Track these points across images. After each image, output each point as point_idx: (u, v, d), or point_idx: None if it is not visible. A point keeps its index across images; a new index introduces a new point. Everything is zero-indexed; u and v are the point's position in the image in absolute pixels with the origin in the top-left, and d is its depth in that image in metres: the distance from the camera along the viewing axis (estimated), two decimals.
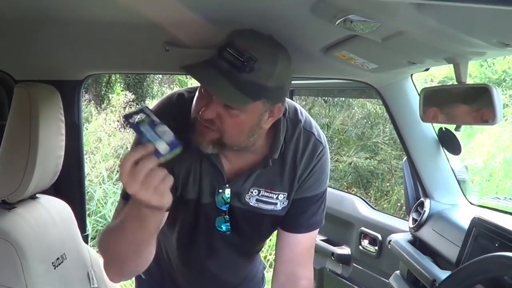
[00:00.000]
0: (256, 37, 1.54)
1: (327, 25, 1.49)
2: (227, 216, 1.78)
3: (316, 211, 1.84)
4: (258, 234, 1.93)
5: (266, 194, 1.76)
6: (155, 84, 9.78)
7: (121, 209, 1.61)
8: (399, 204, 6.13)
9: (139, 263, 1.59)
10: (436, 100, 1.70)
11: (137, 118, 1.39)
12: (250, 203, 1.77)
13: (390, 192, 6.40)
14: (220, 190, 1.73)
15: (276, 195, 1.77)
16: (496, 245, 1.57)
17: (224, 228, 1.80)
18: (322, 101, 7.28)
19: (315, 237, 1.90)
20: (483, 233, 1.70)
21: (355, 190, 6.44)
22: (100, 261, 2.15)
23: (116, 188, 6.19)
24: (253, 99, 1.49)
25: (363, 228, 2.85)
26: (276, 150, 1.70)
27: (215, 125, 1.53)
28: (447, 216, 2.19)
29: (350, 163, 6.64)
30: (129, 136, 7.29)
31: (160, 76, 9.84)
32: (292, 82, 3.46)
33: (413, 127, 2.34)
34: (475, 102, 1.49)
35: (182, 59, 2.11)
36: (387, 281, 2.62)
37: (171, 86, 9.87)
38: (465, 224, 2.02)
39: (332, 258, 3.02)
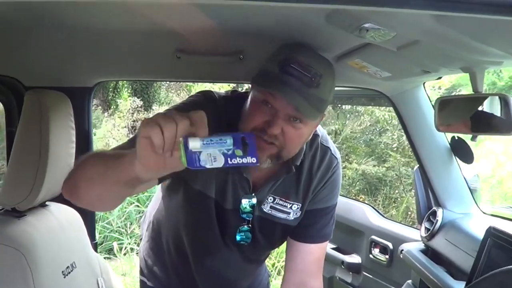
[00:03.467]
0: (313, 52, 1.55)
1: (341, 34, 1.48)
2: (250, 226, 1.80)
3: (328, 223, 1.87)
4: (268, 243, 1.93)
5: (280, 202, 1.78)
6: (162, 90, 9.78)
7: (123, 149, 1.47)
8: (408, 212, 6.10)
9: (100, 202, 1.47)
10: (451, 110, 1.68)
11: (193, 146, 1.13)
12: (264, 210, 1.78)
13: (399, 199, 6.36)
14: (247, 200, 1.74)
15: (291, 205, 1.79)
16: None
17: (245, 237, 1.82)
18: (331, 108, 7.26)
19: (325, 248, 1.92)
20: (498, 244, 1.68)
21: (363, 197, 6.42)
22: (110, 269, 2.15)
23: None
24: (320, 112, 1.52)
25: (373, 237, 2.83)
26: (299, 157, 1.72)
27: (278, 140, 1.53)
28: (460, 226, 2.17)
29: (358, 170, 6.61)
30: None
31: (168, 82, 9.84)
32: None
33: (426, 135, 2.31)
34: (491, 112, 1.47)
35: (193, 67, 2.11)
36: None
37: (178, 92, 9.87)
38: (479, 234, 1.99)
39: (342, 266, 3.00)
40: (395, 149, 6.58)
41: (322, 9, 1.36)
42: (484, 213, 2.34)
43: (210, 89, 1.78)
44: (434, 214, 2.30)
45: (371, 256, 2.82)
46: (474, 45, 1.22)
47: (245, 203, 1.75)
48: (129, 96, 8.93)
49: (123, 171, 1.24)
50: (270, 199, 1.77)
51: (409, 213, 6.16)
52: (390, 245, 2.71)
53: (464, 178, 2.34)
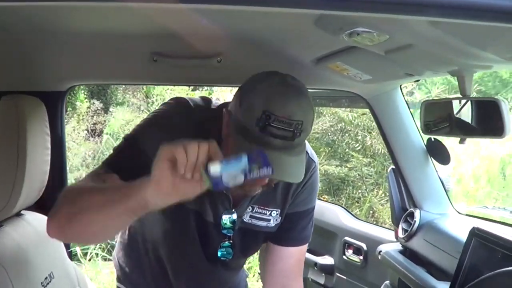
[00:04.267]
0: (291, 94, 1.43)
1: (325, 37, 1.47)
2: (231, 242, 1.79)
3: (307, 225, 1.88)
4: (249, 250, 1.93)
5: (259, 210, 1.77)
6: (119, 91, 9.63)
7: (105, 177, 1.48)
8: (371, 211, 6.17)
9: (97, 237, 1.50)
10: (437, 113, 1.69)
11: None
12: (245, 220, 1.77)
13: (362, 199, 6.43)
14: (228, 216, 1.73)
15: (270, 212, 1.78)
16: (499, 256, 1.57)
17: (226, 253, 1.81)
18: None
19: (305, 251, 1.93)
20: (482, 244, 1.70)
21: (326, 197, 6.46)
22: (87, 279, 2.09)
23: None
24: (304, 151, 1.51)
25: (346, 238, 2.84)
26: None
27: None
28: (439, 226, 2.19)
29: (321, 171, 6.65)
30: (97, 146, 7.18)
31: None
32: None
33: (402, 137, 2.34)
34: (481, 115, 1.49)
35: (170, 70, 2.08)
36: None
37: (135, 93, 9.74)
38: (458, 234, 2.03)
39: (315, 268, 3.00)
40: (357, 149, 6.63)
41: (312, 13, 1.35)
42: (459, 213, 2.38)
43: (183, 96, 1.74)
44: (411, 215, 2.32)
45: (344, 257, 2.83)
46: (468, 50, 1.23)
47: (226, 219, 1.73)
48: (85, 99, 8.77)
49: (129, 199, 1.24)
50: (249, 209, 1.76)
51: (372, 212, 6.23)
52: (364, 246, 2.72)
53: (440, 179, 2.37)
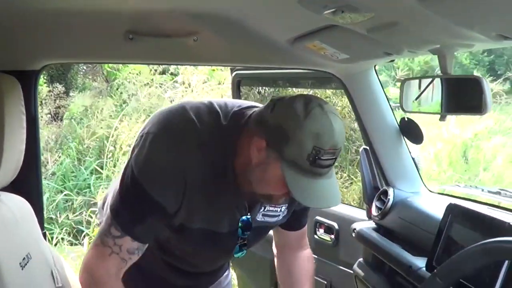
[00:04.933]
0: (331, 128, 1.50)
1: (306, 16, 1.46)
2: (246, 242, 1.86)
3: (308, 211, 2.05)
4: (259, 241, 2.01)
5: (271, 208, 1.85)
6: (79, 76, 9.47)
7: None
8: None
9: None
10: (417, 90, 1.72)
11: None
12: (257, 219, 1.83)
13: None
14: (243, 219, 1.79)
15: (280, 208, 1.86)
16: (476, 231, 1.61)
17: (241, 254, 1.89)
18: (256, 92, 7.25)
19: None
20: (459, 220, 1.74)
21: None
22: (62, 260, 2.07)
23: (48, 183, 5.98)
24: None
25: (317, 217, 2.86)
26: None
27: None
28: (413, 204, 2.23)
29: None
30: (60, 130, 7.06)
31: (85, 67, 9.54)
32: (239, 72, 3.44)
33: (376, 117, 2.36)
34: (463, 93, 1.52)
35: (146, 48, 2.05)
36: (345, 269, 2.66)
37: (95, 78, 9.60)
38: (433, 211, 2.07)
39: None
40: None
41: None
42: (431, 191, 2.43)
43: (186, 110, 1.69)
44: (384, 193, 2.36)
45: (316, 236, 2.85)
46: (454, 29, 1.25)
47: (241, 224, 1.80)
48: (45, 83, 8.60)
49: None
50: (262, 209, 1.82)
51: None
52: (336, 225, 2.75)
53: (412, 158, 2.41)
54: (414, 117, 2.26)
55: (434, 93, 1.66)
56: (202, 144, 1.60)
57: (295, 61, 2.22)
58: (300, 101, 1.51)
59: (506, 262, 1.44)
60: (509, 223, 1.52)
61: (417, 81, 1.77)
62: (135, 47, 1.98)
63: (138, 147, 1.65)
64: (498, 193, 2.01)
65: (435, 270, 1.34)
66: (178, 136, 1.61)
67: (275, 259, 2.13)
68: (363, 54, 1.87)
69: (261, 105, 1.71)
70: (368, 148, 2.47)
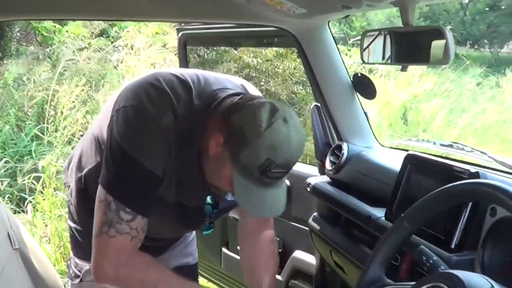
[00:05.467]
0: (288, 143, 1.52)
1: None
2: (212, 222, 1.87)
3: None
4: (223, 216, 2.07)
5: None
6: (13, 43, 9.11)
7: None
8: None
9: None
10: (378, 42, 1.74)
11: None
12: (228, 199, 1.84)
13: None
14: (209, 198, 1.79)
15: None
16: (434, 180, 1.65)
17: (208, 231, 1.89)
18: (194, 54, 7.18)
19: None
20: (417, 169, 1.79)
21: None
22: (19, 221, 2.03)
23: None
24: None
25: None
26: None
27: None
28: (368, 158, 2.28)
29: None
30: None
31: (19, 34, 9.18)
32: (185, 32, 3.38)
33: (330, 73, 2.38)
34: (426, 44, 1.55)
35: (106, 4, 1.98)
36: (297, 225, 2.69)
37: (29, 44, 9.27)
38: (388, 164, 2.12)
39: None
40: (263, 93, 6.71)
41: None
42: (383, 146, 2.48)
43: (158, 81, 1.66)
44: (338, 148, 2.39)
45: None
46: None
47: (208, 207, 1.81)
48: None
49: None
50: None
51: None
52: (287, 182, 2.77)
53: (365, 113, 2.45)
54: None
55: (395, 45, 1.69)
56: (177, 118, 1.60)
57: (249, 17, 2.20)
58: (267, 109, 1.51)
59: (469, 206, 1.50)
60: (469, 170, 1.57)
61: (378, 32, 1.79)
62: (87, 3, 1.91)
63: (118, 123, 1.62)
64: (451, 146, 2.07)
65: (402, 215, 1.37)
66: (157, 106, 1.60)
67: (239, 239, 2.10)
68: (320, 8, 1.87)
69: (231, 87, 1.72)
70: (319, 105, 2.49)
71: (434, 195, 1.34)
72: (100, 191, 1.61)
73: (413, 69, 8.08)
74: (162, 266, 1.71)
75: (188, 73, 1.72)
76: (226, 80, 1.77)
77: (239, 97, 1.63)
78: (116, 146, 1.60)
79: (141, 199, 1.60)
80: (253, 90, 1.83)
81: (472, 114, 7.30)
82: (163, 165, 1.59)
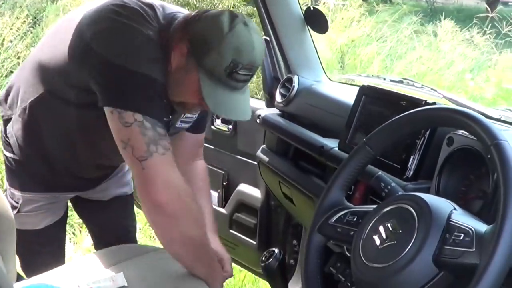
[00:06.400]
0: (251, 45, 1.57)
1: None
2: None
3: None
4: None
5: (189, 115, 1.90)
6: None
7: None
8: None
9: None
10: None
11: None
12: (176, 125, 1.88)
13: None
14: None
15: (195, 114, 1.93)
16: (392, 111, 1.66)
17: None
18: None
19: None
20: (373, 101, 1.80)
21: None
22: None
23: None
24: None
25: None
26: None
27: None
28: (319, 91, 2.29)
29: None
30: None
31: None
32: None
33: (282, 5, 2.35)
34: None
35: None
36: (243, 158, 2.70)
37: None
38: (339, 96, 2.13)
39: None
40: None
41: None
42: (331, 80, 2.49)
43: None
44: (289, 80, 2.38)
45: (213, 127, 2.83)
46: None
47: None
48: None
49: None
50: (182, 116, 1.87)
51: None
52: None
53: (315, 48, 2.44)
54: None
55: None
56: (154, 32, 1.62)
57: None
58: (226, 16, 1.56)
59: (426, 136, 1.53)
60: (425, 100, 1.60)
61: None
62: None
63: (106, 47, 1.59)
64: (401, 82, 2.09)
65: (364, 139, 1.38)
66: (136, 21, 1.60)
67: None
68: None
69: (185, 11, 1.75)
70: (268, 38, 2.46)
71: (396, 120, 1.36)
72: (121, 115, 1.55)
73: (351, 12, 8.10)
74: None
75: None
76: (178, 8, 1.80)
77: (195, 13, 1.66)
78: (116, 68, 1.56)
79: (164, 112, 1.64)
80: None
81: (408, 61, 7.38)
82: (161, 71, 1.61)
